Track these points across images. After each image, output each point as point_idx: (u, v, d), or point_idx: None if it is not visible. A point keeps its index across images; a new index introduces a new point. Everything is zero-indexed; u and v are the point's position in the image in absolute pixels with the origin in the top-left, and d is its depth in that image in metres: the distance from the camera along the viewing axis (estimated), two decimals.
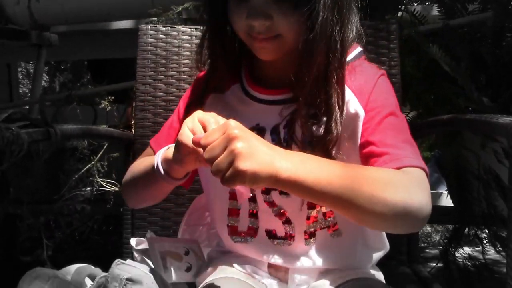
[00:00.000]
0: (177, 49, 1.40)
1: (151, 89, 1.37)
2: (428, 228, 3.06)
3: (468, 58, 1.60)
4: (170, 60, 1.39)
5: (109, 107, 2.07)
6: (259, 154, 0.71)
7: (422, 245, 2.85)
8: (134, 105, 1.40)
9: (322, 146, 0.88)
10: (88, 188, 2.05)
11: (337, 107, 0.87)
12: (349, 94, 0.92)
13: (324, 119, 0.88)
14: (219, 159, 0.71)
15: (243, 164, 0.69)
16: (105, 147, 1.97)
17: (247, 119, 0.96)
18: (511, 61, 1.62)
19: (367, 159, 0.87)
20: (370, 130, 0.89)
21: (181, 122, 0.97)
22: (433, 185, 2.76)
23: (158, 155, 0.91)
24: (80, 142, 2.02)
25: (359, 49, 1.00)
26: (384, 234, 1.05)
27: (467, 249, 2.01)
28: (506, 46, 1.63)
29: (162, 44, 1.40)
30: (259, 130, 0.95)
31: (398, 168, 0.80)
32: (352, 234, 0.96)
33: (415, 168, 0.82)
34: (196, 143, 0.76)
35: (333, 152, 0.89)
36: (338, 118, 0.87)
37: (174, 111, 1.10)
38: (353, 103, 0.92)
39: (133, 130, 1.39)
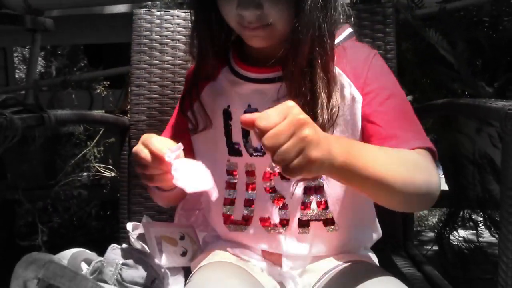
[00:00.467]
0: (172, 34, 1.39)
1: (146, 74, 1.37)
2: (425, 211, 3.08)
3: (464, 42, 1.59)
4: (165, 45, 1.38)
5: (105, 92, 2.06)
6: (323, 142, 0.68)
7: (419, 228, 2.87)
8: (129, 90, 1.39)
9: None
10: (85, 174, 2.05)
11: (323, 93, 0.88)
12: (343, 79, 0.92)
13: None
14: (286, 146, 0.65)
15: (315, 153, 0.66)
16: (101, 132, 1.97)
17: (239, 101, 0.96)
18: (508, 45, 1.62)
19: (372, 142, 0.86)
20: (372, 113, 0.89)
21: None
22: None
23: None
24: (77, 128, 2.02)
25: (349, 29, 1.00)
26: (376, 219, 1.05)
27: (463, 233, 2.02)
28: (502, 30, 1.63)
29: (157, 28, 1.39)
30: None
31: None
32: (347, 228, 0.97)
33: (423, 149, 0.83)
34: (249, 123, 0.68)
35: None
36: (325, 104, 0.87)
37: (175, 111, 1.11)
38: (349, 88, 0.92)
39: (128, 115, 1.39)
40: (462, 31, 1.61)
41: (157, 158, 0.81)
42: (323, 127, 0.86)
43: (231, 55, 1.01)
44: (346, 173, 0.72)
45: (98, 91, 2.09)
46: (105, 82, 2.13)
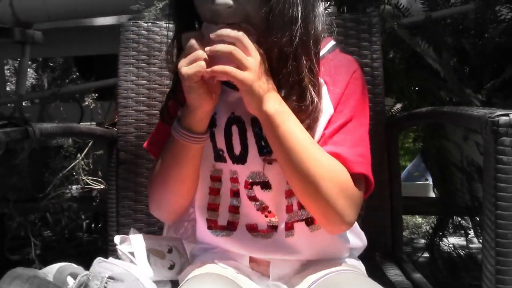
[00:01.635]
0: (159, 45, 1.39)
1: (134, 85, 1.37)
2: (419, 219, 3.09)
3: (450, 50, 1.61)
4: (153, 56, 1.39)
5: (93, 104, 2.06)
6: (261, 79, 0.85)
7: (412, 236, 2.87)
8: (117, 102, 1.39)
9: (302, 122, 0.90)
10: (74, 187, 2.04)
11: (311, 88, 0.90)
12: (324, 90, 0.94)
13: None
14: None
15: (247, 75, 0.83)
16: (89, 145, 1.96)
17: (224, 108, 0.96)
18: (493, 52, 1.63)
19: None
20: (332, 127, 0.93)
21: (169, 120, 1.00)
22: (423, 173, 2.80)
23: (174, 125, 0.93)
24: (66, 140, 2.02)
25: (332, 42, 1.02)
26: (358, 228, 1.07)
27: (454, 240, 2.02)
28: (488, 37, 1.64)
29: (144, 40, 1.39)
30: (237, 121, 0.96)
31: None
32: None
33: (358, 175, 0.91)
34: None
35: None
36: (313, 94, 0.90)
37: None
38: (324, 97, 0.94)
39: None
40: (448, 39, 1.62)
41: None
42: (310, 116, 0.90)
43: None
44: (270, 124, 0.86)
45: (87, 103, 2.09)
46: (93, 94, 2.13)
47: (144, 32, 1.40)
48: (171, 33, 1.38)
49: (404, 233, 2.86)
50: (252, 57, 0.84)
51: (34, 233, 2.29)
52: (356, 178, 0.91)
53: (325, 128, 0.94)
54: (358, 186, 0.91)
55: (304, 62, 0.90)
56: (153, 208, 1.05)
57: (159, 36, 1.40)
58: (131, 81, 1.37)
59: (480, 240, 1.72)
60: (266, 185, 0.95)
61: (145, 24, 1.41)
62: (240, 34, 0.83)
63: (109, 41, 1.46)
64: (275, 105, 0.86)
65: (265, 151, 0.94)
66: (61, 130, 1.09)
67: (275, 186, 0.95)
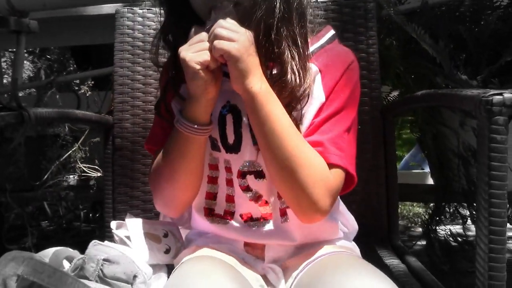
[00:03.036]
0: (154, 32, 1.38)
1: (129, 72, 1.37)
2: (419, 209, 3.09)
3: (447, 36, 1.60)
4: (148, 43, 1.38)
5: (89, 92, 2.05)
6: (250, 55, 0.86)
7: (412, 225, 2.88)
8: (113, 89, 1.39)
9: (284, 103, 0.90)
10: (71, 176, 2.04)
11: (292, 62, 0.91)
12: (318, 79, 0.95)
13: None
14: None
15: (233, 46, 0.84)
16: (86, 132, 1.96)
17: (219, 98, 0.96)
18: (490, 39, 1.63)
19: (305, 138, 0.92)
20: (321, 117, 0.93)
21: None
22: (420, 163, 2.80)
23: (176, 118, 0.92)
24: (62, 129, 2.01)
25: (331, 32, 1.02)
26: (348, 212, 1.09)
27: (451, 228, 2.03)
28: (484, 24, 1.64)
29: (140, 26, 1.39)
30: (233, 110, 0.96)
31: (327, 162, 0.90)
32: None
33: (338, 168, 0.91)
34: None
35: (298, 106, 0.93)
36: (295, 69, 0.91)
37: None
38: (317, 84, 0.94)
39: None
40: (444, 25, 1.62)
41: None
42: (292, 94, 0.91)
43: None
44: (253, 103, 0.87)
45: (82, 91, 2.08)
46: (89, 82, 2.12)
47: (140, 19, 1.40)
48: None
49: (403, 222, 2.88)
50: (238, 33, 0.85)
51: (32, 223, 2.29)
52: (334, 169, 0.91)
53: (315, 117, 0.94)
54: (337, 177, 0.91)
55: (286, 35, 0.90)
56: (160, 206, 1.02)
57: (154, 22, 1.40)
58: (127, 67, 1.37)
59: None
60: (259, 174, 0.96)
61: (140, 11, 1.41)
62: (221, 21, 0.86)
63: (107, 31, 1.45)
64: (261, 84, 0.87)
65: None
66: (57, 115, 1.09)
67: (268, 174, 0.96)
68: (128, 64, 1.37)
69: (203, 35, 0.87)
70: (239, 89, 0.88)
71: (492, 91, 0.73)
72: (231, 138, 0.95)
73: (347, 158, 0.92)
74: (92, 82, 2.16)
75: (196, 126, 0.90)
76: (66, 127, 2.01)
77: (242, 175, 0.96)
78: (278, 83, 0.91)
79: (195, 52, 0.86)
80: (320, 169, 0.89)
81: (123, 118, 1.35)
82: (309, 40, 0.96)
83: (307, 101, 0.93)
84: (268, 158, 0.90)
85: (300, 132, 0.93)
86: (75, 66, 4.70)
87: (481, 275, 0.75)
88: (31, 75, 5.61)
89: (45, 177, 1.97)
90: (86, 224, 2.58)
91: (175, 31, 0.99)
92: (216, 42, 0.84)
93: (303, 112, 0.94)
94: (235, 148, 0.95)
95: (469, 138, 1.57)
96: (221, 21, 0.86)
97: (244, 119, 0.95)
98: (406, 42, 1.67)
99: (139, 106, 1.35)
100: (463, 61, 1.67)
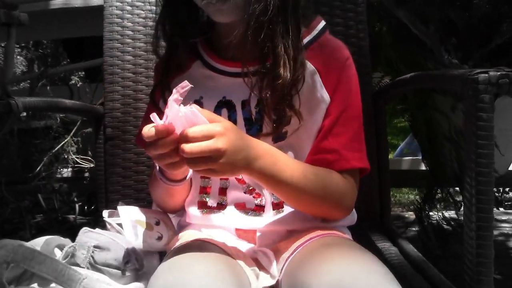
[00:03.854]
0: (144, 20, 1.39)
1: (119, 61, 1.36)
2: (412, 197, 3.10)
3: (437, 21, 1.60)
4: (137, 32, 1.38)
5: (80, 83, 2.04)
6: (237, 164, 0.81)
7: (405, 211, 2.89)
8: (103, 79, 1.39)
9: (276, 93, 0.91)
10: (65, 170, 2.03)
11: (285, 55, 0.91)
12: (317, 79, 0.96)
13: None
14: (201, 160, 0.77)
15: (218, 174, 0.82)
16: (78, 124, 1.95)
17: (213, 93, 0.98)
18: (480, 23, 1.63)
19: (319, 144, 0.97)
20: (331, 119, 0.96)
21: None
22: (415, 152, 2.81)
23: (156, 171, 0.95)
24: (54, 121, 2.00)
25: (322, 23, 1.03)
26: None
27: (444, 213, 2.03)
28: (475, 8, 1.64)
29: (129, 15, 1.39)
30: (228, 105, 0.96)
31: (343, 169, 0.95)
32: None
33: (357, 169, 0.98)
34: (180, 134, 0.77)
35: (295, 103, 0.93)
36: (287, 64, 0.91)
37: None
38: (320, 90, 0.96)
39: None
40: (434, 10, 1.62)
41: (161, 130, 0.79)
42: (289, 87, 0.91)
43: (202, 50, 1.03)
44: (260, 180, 0.88)
45: (73, 82, 2.07)
46: (80, 73, 2.11)
47: (128, 8, 1.39)
48: (155, 7, 1.39)
49: (398, 210, 2.90)
50: (216, 139, 0.78)
51: (27, 216, 2.28)
52: (352, 171, 0.97)
53: (324, 119, 0.97)
54: (355, 177, 0.98)
55: (279, 28, 0.90)
56: (157, 207, 1.11)
57: (143, 11, 1.39)
58: (117, 57, 1.36)
59: None
60: None
61: (129, 0, 1.40)
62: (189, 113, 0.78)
63: (97, 23, 1.44)
64: (259, 162, 0.85)
65: (251, 132, 0.95)
66: (46, 105, 1.08)
67: None
68: (118, 54, 1.36)
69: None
70: (240, 174, 0.90)
71: (478, 70, 0.73)
72: None
73: (362, 157, 0.98)
74: (83, 73, 2.15)
75: (171, 182, 0.94)
76: (58, 118, 2.01)
77: None
78: (270, 76, 0.91)
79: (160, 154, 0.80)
80: (338, 189, 0.95)
81: (114, 107, 1.34)
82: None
83: (302, 85, 0.93)
84: (290, 204, 0.97)
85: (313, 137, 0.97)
86: (68, 60, 4.67)
87: (470, 254, 0.75)
88: (25, 69, 5.58)
89: (38, 169, 1.97)
90: (81, 216, 2.58)
91: (172, 20, 0.99)
92: (189, 163, 0.78)
93: (313, 118, 0.97)
94: None
95: (460, 121, 1.57)
96: (188, 134, 0.76)
97: (239, 113, 0.96)
98: (397, 28, 1.67)
99: (129, 95, 1.35)
100: (454, 46, 1.67)
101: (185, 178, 0.94)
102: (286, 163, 0.90)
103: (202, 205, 1.01)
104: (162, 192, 1.03)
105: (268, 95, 0.92)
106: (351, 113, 0.98)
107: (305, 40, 0.98)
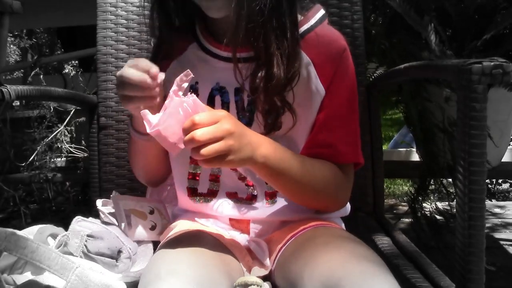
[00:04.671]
0: (137, 9, 1.37)
1: (113, 50, 1.35)
2: (405, 188, 3.11)
3: (432, 12, 1.60)
4: (131, 21, 1.37)
5: (73, 72, 2.03)
6: (245, 149, 0.80)
7: (399, 202, 2.90)
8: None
9: (269, 93, 0.90)
10: (59, 159, 2.03)
11: (278, 54, 0.89)
12: (311, 70, 0.94)
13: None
14: (214, 147, 0.76)
15: (235, 158, 0.79)
16: (71, 113, 1.95)
17: (208, 78, 0.97)
18: (475, 14, 1.63)
19: (313, 138, 0.96)
20: (326, 112, 0.95)
21: None
22: (409, 143, 2.82)
23: (128, 123, 0.97)
24: (48, 111, 1.99)
25: (321, 12, 1.00)
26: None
27: (438, 203, 2.04)
28: None
29: (122, 4, 1.37)
30: (221, 92, 0.96)
31: (338, 163, 0.95)
32: None
33: (351, 163, 0.98)
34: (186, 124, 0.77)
35: (289, 102, 0.92)
36: (280, 63, 0.89)
37: None
38: (315, 81, 0.95)
39: None
40: (429, 0, 1.62)
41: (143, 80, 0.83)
42: (282, 86, 0.90)
43: (200, 32, 1.01)
44: (261, 171, 0.87)
45: (66, 71, 2.06)
46: (73, 62, 2.10)
47: None
48: None
49: (392, 201, 2.91)
50: (221, 122, 0.78)
51: (21, 207, 2.28)
52: (347, 165, 0.97)
53: (319, 112, 0.95)
54: (349, 170, 0.98)
55: (274, 26, 0.88)
56: (138, 178, 1.13)
57: (137, 0, 1.38)
58: (110, 45, 1.35)
59: None
60: None
61: None
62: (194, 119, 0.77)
63: (91, 11, 1.43)
64: (262, 151, 0.84)
65: (243, 121, 0.94)
66: (39, 93, 1.07)
67: None
68: (111, 42, 1.35)
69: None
70: (245, 165, 0.88)
71: (472, 60, 0.73)
72: None
73: (357, 151, 0.98)
74: (77, 62, 2.14)
75: (139, 134, 0.95)
76: (51, 108, 2.00)
77: None
78: (265, 76, 0.90)
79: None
80: (335, 181, 0.95)
81: (108, 96, 1.34)
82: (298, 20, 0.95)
83: (296, 82, 0.92)
84: (289, 197, 0.97)
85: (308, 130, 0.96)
86: (62, 50, 4.66)
87: (461, 243, 0.76)
88: (18, 59, 5.55)
89: (31, 158, 1.96)
90: (76, 207, 2.57)
91: (162, 11, 0.98)
92: (204, 152, 0.76)
93: (308, 111, 0.95)
94: None
95: (454, 113, 1.57)
96: (195, 121, 0.76)
97: (231, 99, 0.95)
98: (391, 18, 1.67)
99: None
100: (449, 36, 1.67)
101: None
102: (284, 152, 0.89)
103: (193, 193, 1.00)
104: (137, 154, 1.04)
105: (260, 90, 0.91)
106: (347, 106, 0.97)
107: (302, 29, 0.95)
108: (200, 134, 0.75)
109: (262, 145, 0.85)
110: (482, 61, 0.72)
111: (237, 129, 0.79)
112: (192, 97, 0.78)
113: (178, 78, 0.79)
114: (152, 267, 0.77)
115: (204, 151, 0.75)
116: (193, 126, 0.75)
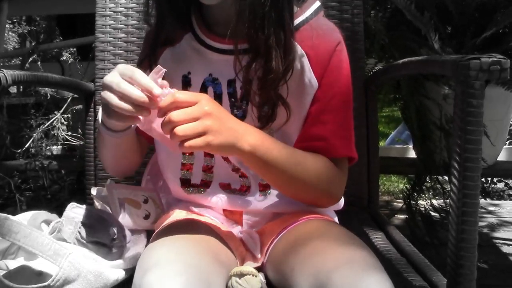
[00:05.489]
0: None
1: (111, 38, 1.35)
2: (400, 186, 3.12)
3: (432, 8, 1.60)
4: (130, 9, 1.36)
5: (71, 59, 2.02)
6: (225, 133, 0.80)
7: (394, 197, 2.91)
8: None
9: (266, 86, 0.89)
10: (55, 147, 2.02)
11: (276, 47, 0.88)
12: (305, 62, 0.93)
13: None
14: (188, 126, 0.76)
15: (215, 140, 0.78)
16: (68, 100, 1.94)
17: (201, 69, 0.96)
18: (475, 11, 1.63)
19: (306, 131, 0.95)
20: (319, 105, 0.94)
21: None
22: (406, 141, 2.82)
23: (97, 118, 0.93)
24: (44, 97, 1.99)
25: (317, 3, 0.99)
26: None
27: (433, 201, 2.05)
28: None
29: None
30: (214, 83, 0.95)
31: (331, 157, 0.94)
32: None
33: (345, 157, 0.97)
34: (158, 101, 0.77)
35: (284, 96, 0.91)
36: (279, 57, 0.88)
37: None
38: (308, 74, 0.93)
39: None
40: None
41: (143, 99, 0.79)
42: (279, 80, 0.89)
43: (195, 22, 1.00)
44: (249, 161, 0.86)
45: (64, 58, 2.05)
46: (71, 49, 2.09)
47: None
48: None
49: (388, 198, 2.91)
50: (200, 104, 0.79)
51: (16, 194, 2.27)
52: (340, 159, 0.95)
53: (311, 105, 0.94)
54: (343, 165, 0.96)
55: (273, 20, 0.87)
56: (105, 169, 1.14)
57: None
58: (109, 33, 1.35)
59: None
60: None
61: None
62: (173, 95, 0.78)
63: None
64: (248, 140, 0.84)
65: (236, 113, 0.94)
66: (35, 79, 1.07)
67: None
68: (110, 30, 1.35)
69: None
70: (232, 155, 0.89)
71: (470, 56, 0.73)
72: None
73: (350, 145, 0.97)
74: (75, 49, 2.13)
75: (110, 132, 0.91)
76: (48, 95, 1.99)
77: None
78: (263, 69, 0.89)
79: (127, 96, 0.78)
80: (328, 174, 0.93)
81: None
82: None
83: (291, 75, 0.91)
84: (280, 190, 0.96)
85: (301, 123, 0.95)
86: (61, 38, 4.64)
87: (453, 238, 0.76)
88: (17, 46, 5.53)
89: (27, 145, 1.96)
90: (71, 195, 2.57)
91: None
92: (179, 131, 0.76)
93: (301, 104, 0.94)
94: None
95: (451, 110, 1.57)
96: (177, 99, 0.77)
97: (224, 91, 0.95)
98: (391, 13, 1.66)
99: None
100: (448, 33, 1.66)
101: (122, 130, 0.91)
102: (273, 143, 0.88)
103: (185, 183, 1.00)
104: (107, 149, 1.00)
105: (256, 82, 0.90)
106: (340, 99, 0.95)
107: (297, 21, 0.94)
108: (176, 114, 0.76)
109: (249, 134, 0.84)
110: (480, 57, 0.72)
111: (216, 111, 0.80)
112: (172, 90, 0.79)
113: (153, 72, 0.79)
114: (149, 255, 0.77)
115: (179, 129, 0.76)
116: (172, 104, 0.77)
